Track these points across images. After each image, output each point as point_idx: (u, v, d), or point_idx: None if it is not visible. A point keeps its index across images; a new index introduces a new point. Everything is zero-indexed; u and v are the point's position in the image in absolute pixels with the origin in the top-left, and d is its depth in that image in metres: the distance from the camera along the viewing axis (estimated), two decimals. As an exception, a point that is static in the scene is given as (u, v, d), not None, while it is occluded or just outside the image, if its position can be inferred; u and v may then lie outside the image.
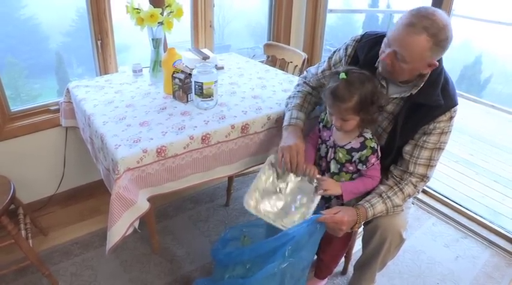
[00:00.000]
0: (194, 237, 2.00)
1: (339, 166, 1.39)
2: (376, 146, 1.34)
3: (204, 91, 1.57)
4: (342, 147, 1.36)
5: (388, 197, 1.32)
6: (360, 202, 1.34)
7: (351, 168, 1.38)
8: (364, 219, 1.32)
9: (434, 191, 2.40)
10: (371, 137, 1.34)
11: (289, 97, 1.59)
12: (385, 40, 1.24)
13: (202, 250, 1.91)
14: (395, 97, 1.33)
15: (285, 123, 1.49)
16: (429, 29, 1.12)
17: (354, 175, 1.39)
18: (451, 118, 1.27)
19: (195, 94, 1.59)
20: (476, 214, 2.24)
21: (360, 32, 1.48)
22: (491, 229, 2.13)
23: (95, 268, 1.79)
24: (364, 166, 1.34)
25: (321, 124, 1.45)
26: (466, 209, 2.27)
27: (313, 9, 2.63)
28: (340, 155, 1.37)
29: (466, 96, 4.27)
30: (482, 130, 3.84)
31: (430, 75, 1.26)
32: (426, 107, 1.26)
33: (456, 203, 2.32)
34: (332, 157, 1.40)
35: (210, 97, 1.59)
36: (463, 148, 3.40)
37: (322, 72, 1.55)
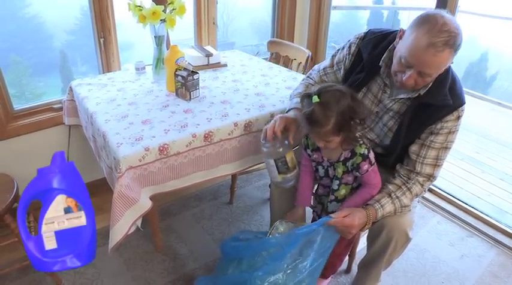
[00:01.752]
0: (197, 236, 2.00)
1: (337, 181, 1.37)
2: (366, 152, 1.29)
3: (290, 165, 1.35)
4: (338, 161, 1.34)
5: (397, 197, 1.30)
6: (369, 202, 1.31)
7: (349, 179, 1.36)
8: (374, 220, 1.29)
9: (439, 189, 2.38)
10: (361, 143, 1.30)
11: (293, 91, 1.59)
12: (400, 60, 1.19)
13: (205, 248, 1.91)
14: (403, 97, 1.31)
15: (288, 108, 1.49)
16: (449, 41, 1.10)
17: (354, 184, 1.37)
18: (459, 117, 1.26)
19: (279, 173, 1.36)
20: (482, 212, 2.22)
21: (364, 29, 1.46)
22: (497, 228, 2.11)
23: (98, 266, 1.79)
24: (358, 172, 1.32)
25: (309, 150, 1.42)
26: (472, 207, 2.25)
27: (317, 6, 2.62)
28: (339, 170, 1.35)
29: (471, 93, 4.22)
30: (488, 127, 3.80)
31: None
32: (433, 107, 1.24)
33: (462, 201, 2.30)
34: (334, 175, 1.38)
35: (295, 169, 1.39)
36: (469, 145, 3.37)
37: (324, 69, 1.54)
